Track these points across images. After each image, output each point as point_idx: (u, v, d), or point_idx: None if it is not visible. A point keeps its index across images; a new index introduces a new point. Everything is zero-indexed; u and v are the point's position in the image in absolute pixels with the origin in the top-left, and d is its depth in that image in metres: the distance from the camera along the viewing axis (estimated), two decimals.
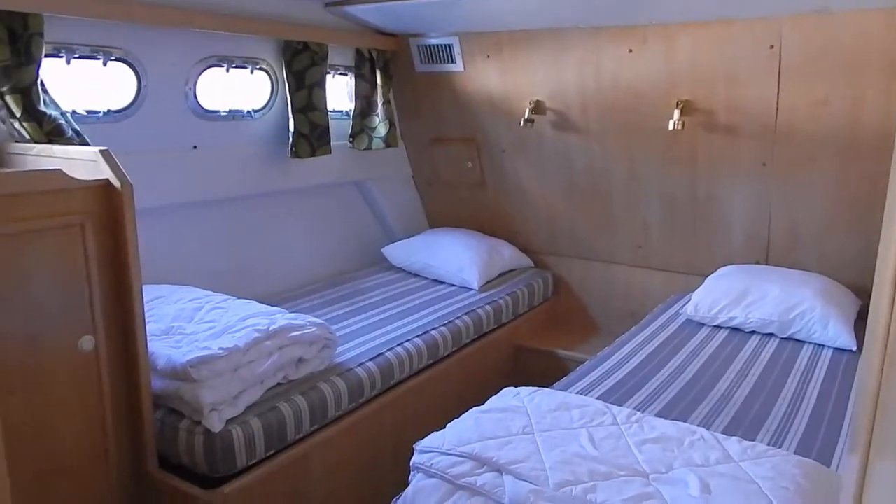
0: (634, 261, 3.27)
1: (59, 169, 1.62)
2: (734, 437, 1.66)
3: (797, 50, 2.39)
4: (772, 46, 2.42)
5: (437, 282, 3.16)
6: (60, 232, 1.60)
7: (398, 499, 1.56)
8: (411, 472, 1.59)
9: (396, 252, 3.32)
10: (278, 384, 2.00)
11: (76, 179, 1.63)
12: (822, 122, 2.49)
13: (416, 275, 3.24)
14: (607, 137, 2.97)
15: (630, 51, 2.69)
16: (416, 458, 1.59)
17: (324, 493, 2.03)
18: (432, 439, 1.62)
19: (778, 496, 1.40)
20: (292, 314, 2.14)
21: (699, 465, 1.52)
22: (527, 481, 1.43)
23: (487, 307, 2.91)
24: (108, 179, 1.67)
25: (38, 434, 1.61)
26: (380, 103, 3.17)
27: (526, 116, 3.01)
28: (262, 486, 1.84)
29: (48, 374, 1.60)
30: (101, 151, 1.67)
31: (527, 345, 3.10)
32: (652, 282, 3.24)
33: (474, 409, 1.78)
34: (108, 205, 1.68)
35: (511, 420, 1.69)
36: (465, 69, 3.13)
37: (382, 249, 3.36)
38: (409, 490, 1.54)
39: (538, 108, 3.06)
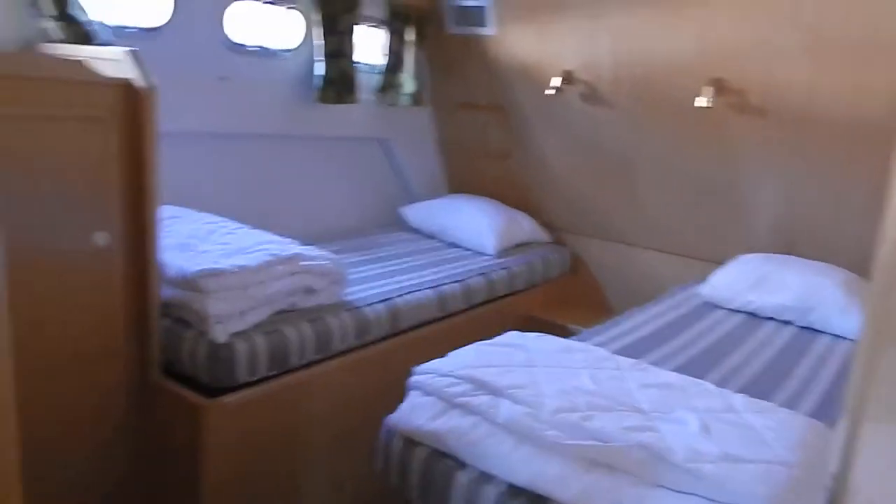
0: (655, 244, 3.22)
1: (80, 60, 1.64)
2: (741, 395, 1.62)
3: (838, 30, 2.32)
4: (810, 25, 2.36)
5: (454, 245, 3.15)
6: (81, 124, 1.61)
7: (391, 415, 1.54)
8: (408, 392, 1.57)
9: (414, 213, 3.31)
10: (286, 311, 2.00)
11: (99, 74, 1.64)
12: (862, 108, 2.41)
13: (432, 237, 3.23)
14: (637, 114, 2.93)
15: (668, 24, 2.65)
16: (414, 378, 1.57)
17: (322, 422, 2.02)
18: (432, 364, 1.61)
19: (779, 443, 1.36)
20: (306, 247, 2.14)
21: (701, 411, 1.49)
22: (523, 405, 1.41)
23: (502, 272, 2.89)
24: (132, 79, 1.68)
25: (51, 325, 1.63)
26: (410, 61, 3.16)
27: (556, 86, 2.99)
28: (260, 404, 1.84)
29: (63, 266, 1.62)
30: (128, 51, 1.69)
31: (538, 316, 3.07)
32: (671, 267, 3.19)
33: (478, 342, 1.76)
34: (131, 105, 1.69)
35: (513, 354, 1.67)
36: (496, 33, 3.11)
37: (400, 209, 3.35)
38: (404, 405, 1.52)
39: (568, 78, 3.03)
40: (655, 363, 1.87)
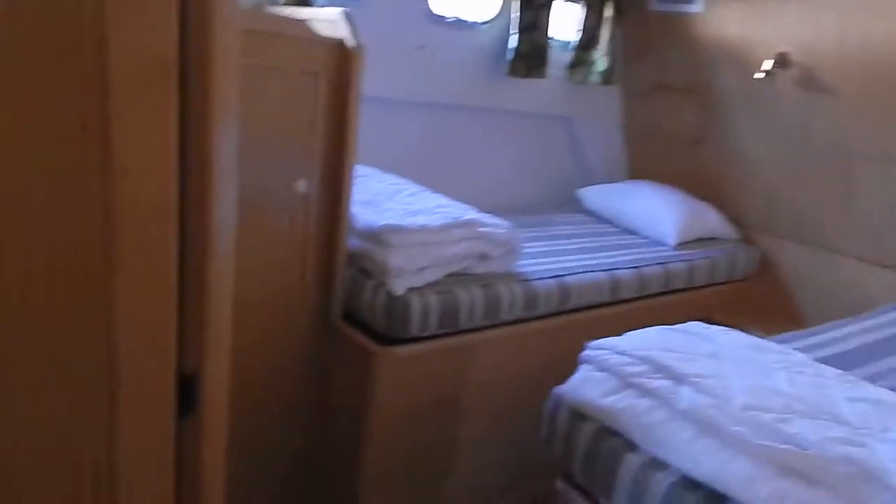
0: (864, 253, 2.83)
1: (304, 19, 1.76)
2: None
3: None
4: None
5: (631, 232, 3.00)
6: (299, 77, 1.74)
7: (559, 387, 1.50)
8: (579, 365, 1.52)
9: (592, 195, 3.21)
10: (459, 273, 2.03)
11: (317, 33, 1.76)
12: None
13: (608, 221, 3.11)
14: (864, 105, 2.57)
15: None
16: (587, 353, 1.52)
17: (483, 385, 2.04)
18: (607, 340, 1.54)
19: None
20: (483, 214, 2.16)
21: None
22: (708, 395, 1.29)
23: (681, 264, 2.70)
24: (344, 39, 1.78)
25: (252, 261, 1.78)
26: (605, 38, 3.05)
27: (766, 69, 2.72)
28: (428, 359, 1.89)
29: (267, 206, 1.77)
30: (342, 11, 1.79)
31: (717, 317, 2.83)
32: (881, 280, 2.79)
33: (659, 326, 1.66)
34: (341, 62, 1.79)
35: (697, 343, 1.54)
36: (705, 10, 2.89)
37: (577, 190, 3.27)
38: (575, 377, 1.47)
39: (781, 61, 2.74)
40: (865, 379, 1.64)
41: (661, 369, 1.38)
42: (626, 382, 1.37)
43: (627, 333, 1.59)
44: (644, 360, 1.41)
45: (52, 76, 0.69)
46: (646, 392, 1.33)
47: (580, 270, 2.33)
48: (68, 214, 0.75)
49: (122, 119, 0.74)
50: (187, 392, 0.88)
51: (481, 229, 2.05)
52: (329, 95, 1.80)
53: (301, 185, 1.81)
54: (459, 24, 2.76)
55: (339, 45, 1.78)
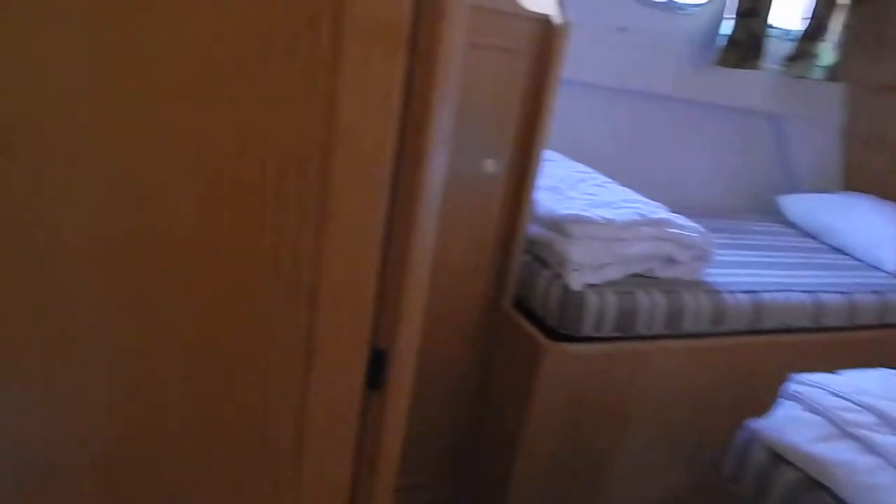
0: None
1: None
2: None
3: None
4: None
5: (839, 251, 2.64)
6: (498, 54, 1.68)
7: (756, 420, 1.33)
8: (780, 399, 1.33)
9: (796, 204, 2.86)
10: (641, 275, 1.89)
11: (524, 8, 1.69)
12: None
13: (812, 236, 2.76)
14: None
15: None
16: (794, 387, 1.32)
17: (653, 400, 1.89)
18: (819, 377, 1.33)
19: None
20: (674, 214, 1.98)
21: None
22: None
23: None
24: (549, 15, 1.70)
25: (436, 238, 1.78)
26: (836, 28, 2.67)
27: None
28: (598, 361, 1.78)
29: (454, 184, 1.74)
30: None
31: None
32: None
33: (881, 368, 1.41)
34: (543, 40, 1.71)
35: None
36: None
37: (779, 197, 2.93)
38: (777, 414, 1.30)
39: None
40: None
41: (892, 423, 1.16)
42: (844, 432, 1.17)
43: (843, 372, 1.37)
44: (868, 408, 1.20)
45: (287, 26, 0.68)
46: (869, 447, 1.13)
47: (778, 288, 2.07)
48: (284, 166, 0.74)
49: (350, 75, 0.72)
50: (377, 366, 0.87)
51: (671, 230, 1.88)
52: (527, 75, 1.73)
53: (489, 165, 1.76)
54: (668, 5, 2.55)
55: (544, 21, 1.70)
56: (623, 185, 2.18)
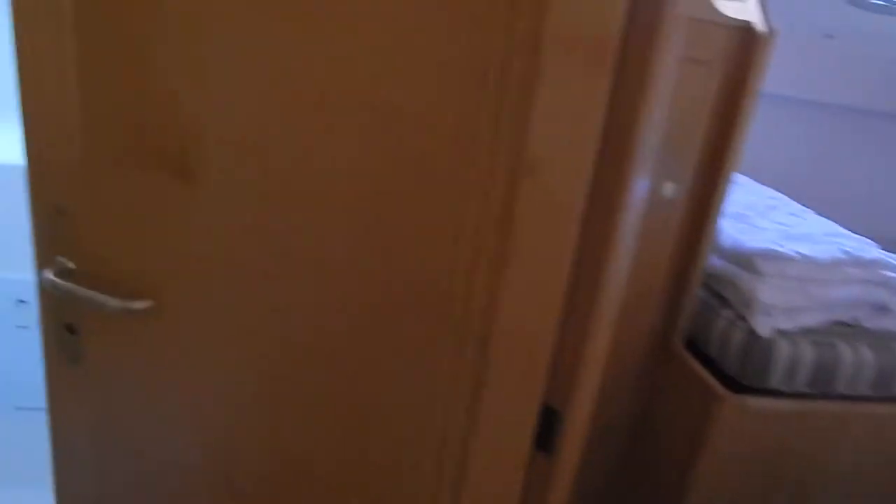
0: None
1: None
2: None
3: None
4: None
5: None
6: (691, 65, 1.50)
7: None
8: None
9: None
10: (845, 324, 1.61)
11: (721, 14, 1.50)
12: None
13: None
14: None
15: None
16: None
17: (850, 470, 1.61)
18: None
19: None
20: (888, 253, 1.68)
21: None
22: None
23: None
24: (752, 23, 1.49)
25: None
26: None
27: None
28: (787, 420, 1.54)
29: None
30: None
31: None
32: None
33: None
34: (741, 50, 1.51)
35: None
36: None
37: None
38: None
39: None
40: None
41: None
42: None
43: None
44: None
45: (478, 28, 0.60)
46: None
47: None
48: (460, 199, 0.66)
49: (546, 95, 0.62)
50: (548, 426, 0.76)
51: (884, 272, 1.59)
52: (719, 88, 1.53)
53: (667, 189, 1.59)
54: (889, 7, 2.19)
55: (744, 29, 1.50)
56: (821, 216, 1.90)
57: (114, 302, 0.78)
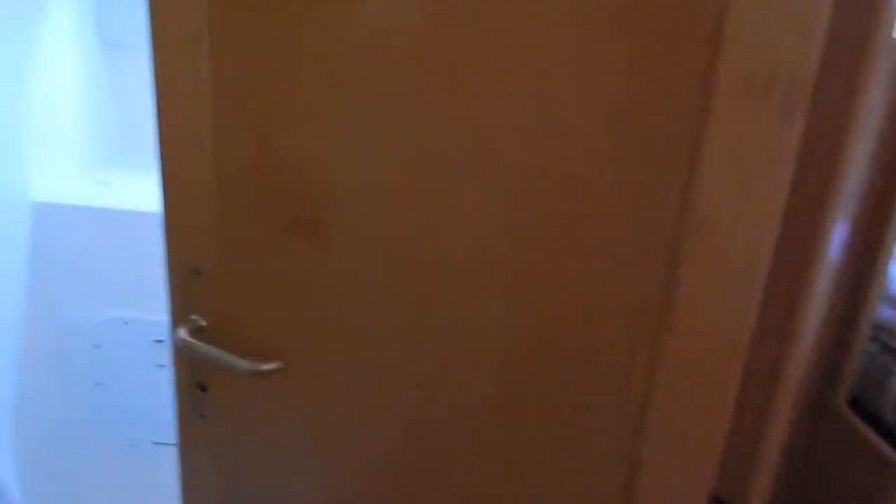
0: None
1: None
2: None
3: None
4: None
5: None
6: None
7: None
8: None
9: None
10: None
11: None
12: None
13: None
14: None
15: None
16: None
17: None
18: None
19: None
20: None
21: None
22: None
23: None
24: None
25: None
26: None
27: None
28: None
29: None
30: None
31: None
32: None
33: None
34: None
35: None
36: None
37: None
38: None
39: None
40: None
41: None
42: None
43: None
44: None
45: (656, 70, 0.52)
46: None
47: None
48: (619, 261, 0.58)
49: (719, 143, 0.53)
50: None
51: None
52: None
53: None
54: None
55: None
56: None
57: (244, 364, 0.77)
